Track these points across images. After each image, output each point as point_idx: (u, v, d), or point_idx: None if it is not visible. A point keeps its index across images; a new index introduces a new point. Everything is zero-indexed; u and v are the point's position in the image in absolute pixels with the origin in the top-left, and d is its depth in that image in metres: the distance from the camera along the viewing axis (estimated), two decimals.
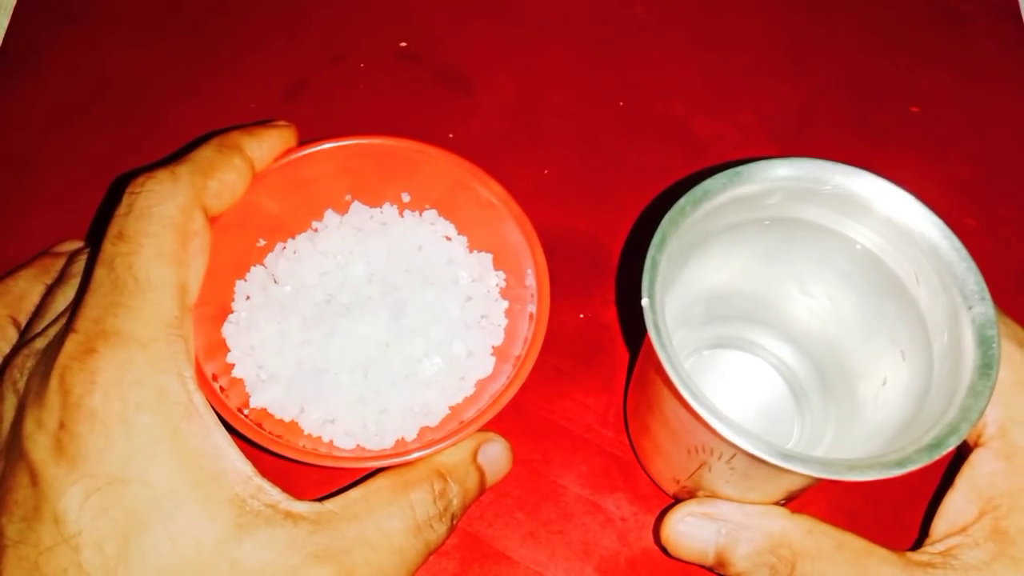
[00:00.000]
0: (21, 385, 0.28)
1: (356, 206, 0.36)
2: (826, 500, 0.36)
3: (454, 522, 0.31)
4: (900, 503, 0.36)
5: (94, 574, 0.25)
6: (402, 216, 0.36)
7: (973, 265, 0.28)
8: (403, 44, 0.47)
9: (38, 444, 0.26)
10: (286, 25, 0.48)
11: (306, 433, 0.32)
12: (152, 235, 0.28)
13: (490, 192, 0.34)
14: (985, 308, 0.27)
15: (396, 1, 0.49)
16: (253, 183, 0.32)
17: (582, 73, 0.47)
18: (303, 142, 0.34)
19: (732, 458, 0.28)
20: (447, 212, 0.36)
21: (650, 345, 0.26)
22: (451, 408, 0.33)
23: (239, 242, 0.33)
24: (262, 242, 0.35)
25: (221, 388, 0.30)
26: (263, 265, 0.35)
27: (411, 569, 0.29)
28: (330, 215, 0.36)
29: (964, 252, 0.28)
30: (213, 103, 0.45)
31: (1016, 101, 0.47)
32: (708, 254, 0.32)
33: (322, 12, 0.48)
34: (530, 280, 0.33)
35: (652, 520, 0.36)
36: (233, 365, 0.32)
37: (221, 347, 0.32)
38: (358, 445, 0.32)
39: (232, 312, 0.33)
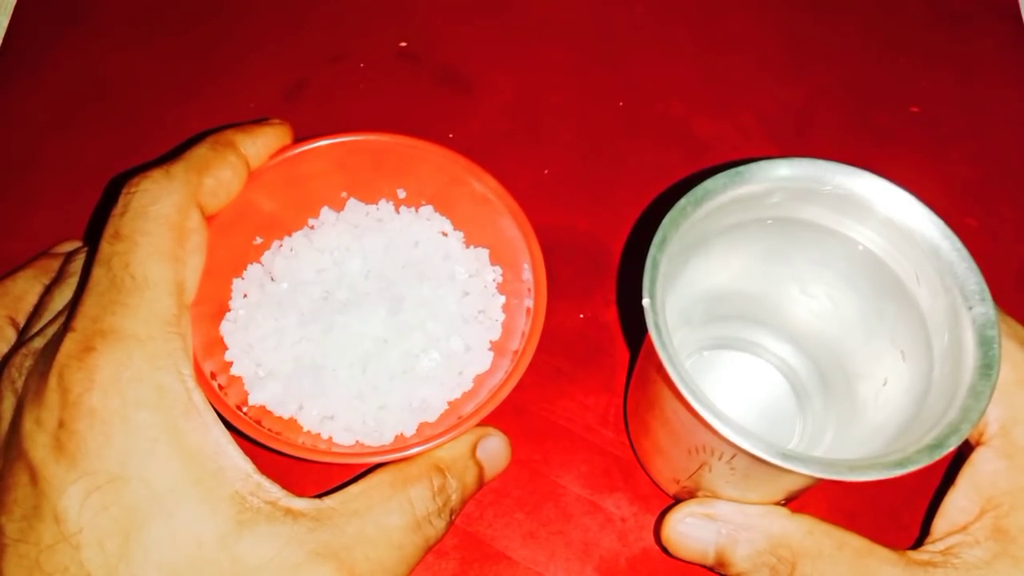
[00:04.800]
0: (20, 384, 0.28)
1: (352, 203, 0.36)
2: (826, 500, 0.36)
3: (453, 517, 0.31)
4: (900, 503, 0.36)
5: (95, 572, 0.25)
6: (398, 212, 0.36)
7: (974, 265, 0.28)
8: (403, 44, 0.47)
9: (37, 443, 0.26)
10: (286, 25, 0.48)
11: (305, 430, 0.32)
12: (148, 233, 0.28)
13: (486, 187, 0.34)
14: (986, 308, 0.27)
15: (396, 1, 0.49)
16: (249, 181, 0.32)
17: (582, 73, 0.47)
18: (300, 139, 0.34)
19: (732, 458, 0.28)
20: (443, 208, 0.36)
21: (651, 345, 0.26)
22: (449, 403, 0.33)
23: (236, 240, 0.33)
24: (259, 240, 0.35)
25: (220, 386, 0.30)
26: (260, 263, 0.35)
27: (410, 564, 0.29)
28: (326, 212, 0.36)
29: (965, 252, 0.28)
30: (213, 103, 0.45)
31: (1016, 101, 0.47)
32: (709, 254, 0.32)
33: (322, 12, 0.48)
34: (527, 275, 0.33)
35: (652, 520, 0.36)
36: (231, 363, 0.32)
37: (219, 345, 0.32)
38: (357, 441, 0.32)
39: (230, 310, 0.33)
